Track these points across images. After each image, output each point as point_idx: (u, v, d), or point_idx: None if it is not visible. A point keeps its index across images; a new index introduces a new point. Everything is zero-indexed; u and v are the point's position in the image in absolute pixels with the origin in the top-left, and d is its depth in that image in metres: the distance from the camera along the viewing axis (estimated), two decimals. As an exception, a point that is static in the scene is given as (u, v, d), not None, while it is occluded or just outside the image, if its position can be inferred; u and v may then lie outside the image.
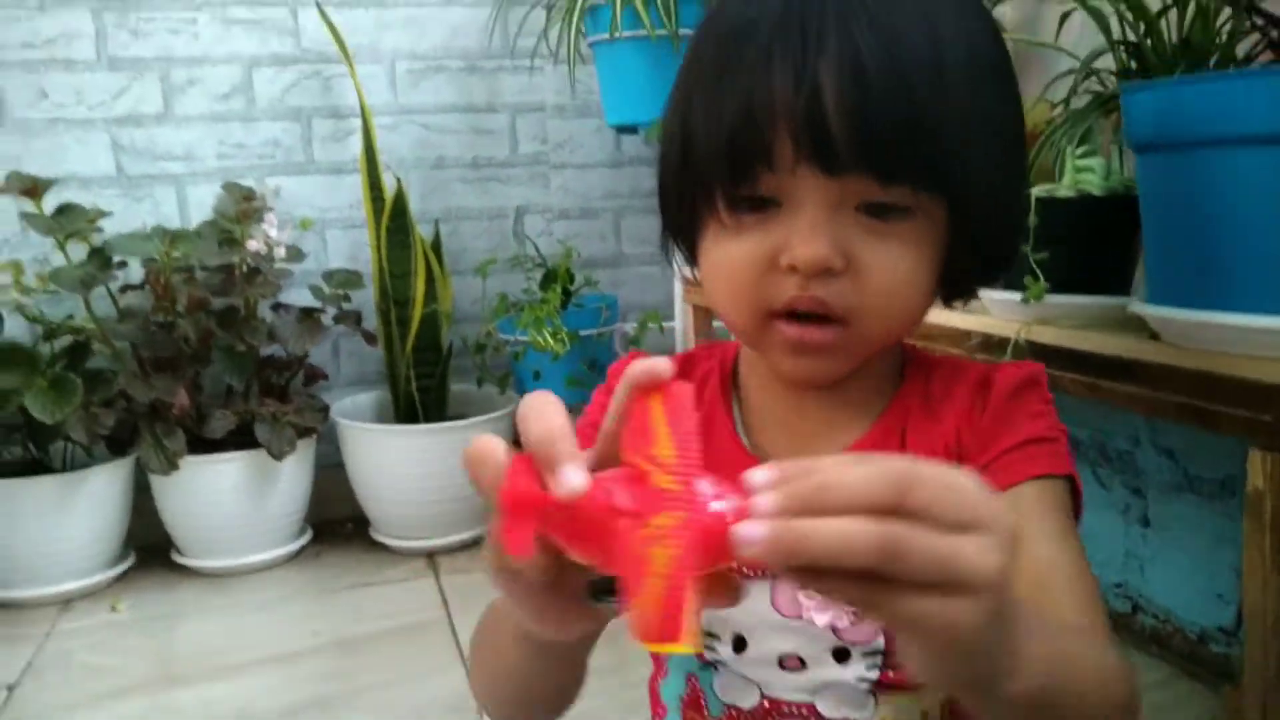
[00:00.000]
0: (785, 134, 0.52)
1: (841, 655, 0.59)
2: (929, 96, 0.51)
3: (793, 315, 0.55)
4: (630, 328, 2.07)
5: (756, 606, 0.60)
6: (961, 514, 0.33)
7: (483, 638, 0.60)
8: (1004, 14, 1.65)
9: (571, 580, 0.42)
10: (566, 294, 2.03)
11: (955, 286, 0.61)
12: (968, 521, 0.33)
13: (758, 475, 0.34)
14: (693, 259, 0.63)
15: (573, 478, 0.37)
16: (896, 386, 0.64)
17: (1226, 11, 1.15)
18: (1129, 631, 1.57)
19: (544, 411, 0.39)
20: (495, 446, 0.39)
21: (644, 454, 0.38)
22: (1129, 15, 1.18)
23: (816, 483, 0.33)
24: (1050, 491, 0.58)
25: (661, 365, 0.40)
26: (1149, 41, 1.17)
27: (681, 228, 0.62)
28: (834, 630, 0.59)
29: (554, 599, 0.43)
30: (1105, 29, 1.24)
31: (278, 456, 1.88)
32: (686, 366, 0.68)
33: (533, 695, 0.58)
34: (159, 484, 1.91)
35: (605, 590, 0.43)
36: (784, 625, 0.60)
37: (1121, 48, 1.20)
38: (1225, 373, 0.81)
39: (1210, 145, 0.78)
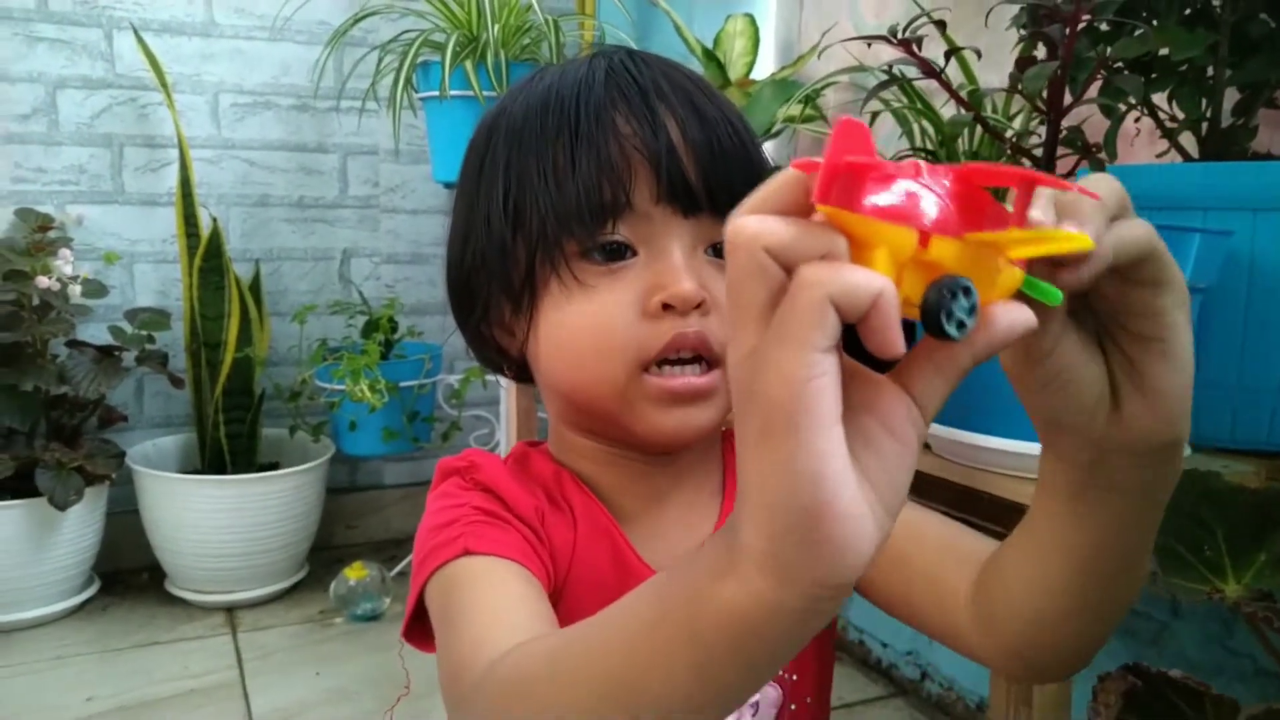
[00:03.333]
0: (644, 176, 0.54)
1: None
2: (754, 145, 0.57)
3: (664, 364, 0.55)
4: (455, 380, 2.04)
5: None
6: None
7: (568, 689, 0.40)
8: (827, 103, 1.73)
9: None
10: (388, 343, 1.99)
11: None
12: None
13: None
14: (501, 354, 0.61)
15: None
16: (722, 462, 0.65)
17: (1016, 124, 1.24)
18: (917, 698, 1.65)
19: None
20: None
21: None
22: (930, 128, 1.26)
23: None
24: None
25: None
26: (943, 151, 1.26)
27: (490, 313, 0.59)
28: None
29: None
30: (909, 134, 1.32)
31: (60, 506, 1.75)
32: (522, 464, 0.64)
33: None
34: (-79, 533, 1.75)
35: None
36: None
37: (921, 154, 1.28)
38: (983, 489, 0.86)
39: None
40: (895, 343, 0.29)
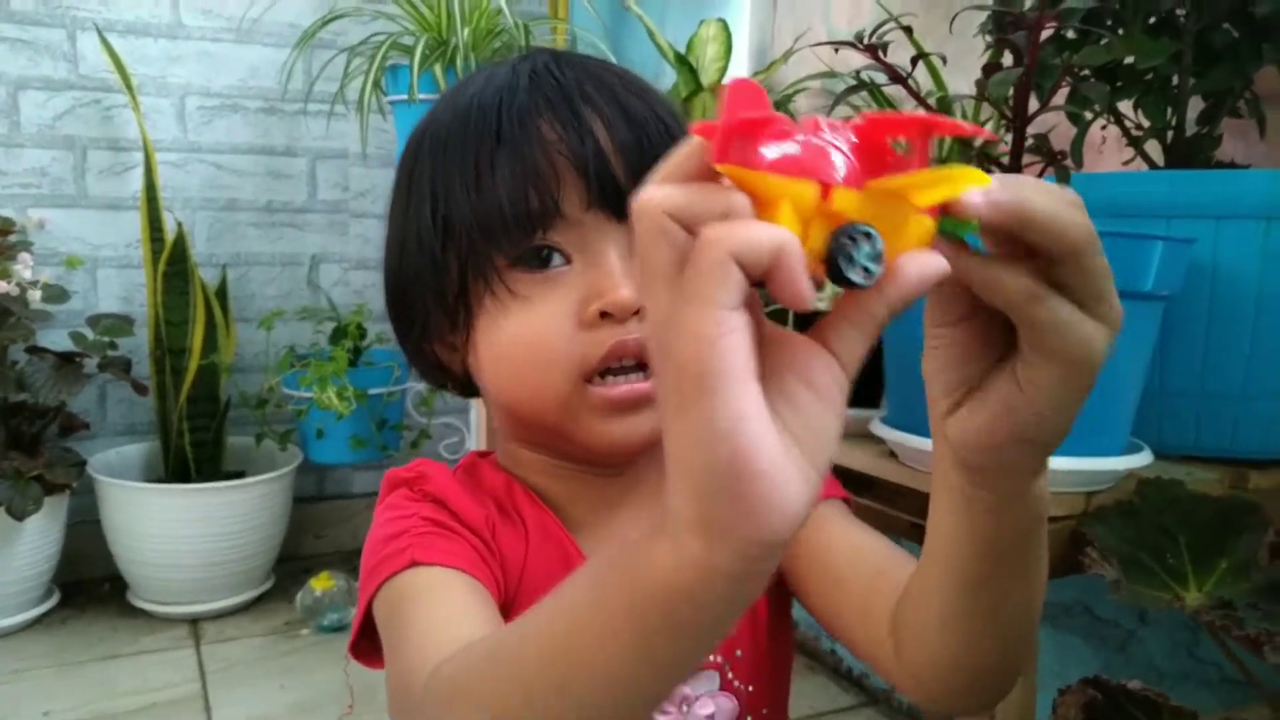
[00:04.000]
0: (572, 183, 0.52)
1: None
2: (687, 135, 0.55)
3: (607, 373, 0.53)
4: (423, 387, 2.02)
5: None
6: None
7: (509, 680, 0.39)
8: (798, 108, 1.73)
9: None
10: (356, 350, 1.96)
11: None
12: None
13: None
14: (443, 370, 0.60)
15: None
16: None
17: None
18: (889, 707, 1.64)
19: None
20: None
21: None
22: (895, 133, 1.26)
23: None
24: (842, 506, 0.61)
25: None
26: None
27: (429, 329, 0.58)
28: None
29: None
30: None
31: (18, 517, 1.71)
32: (471, 474, 0.63)
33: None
34: (-126, 544, 1.71)
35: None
36: None
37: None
38: (948, 498, 0.85)
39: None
40: (803, 294, 0.29)
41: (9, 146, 1.92)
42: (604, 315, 0.52)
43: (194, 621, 1.89)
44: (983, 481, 0.39)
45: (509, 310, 0.54)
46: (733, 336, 0.29)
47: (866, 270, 0.30)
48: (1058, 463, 0.79)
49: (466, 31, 1.65)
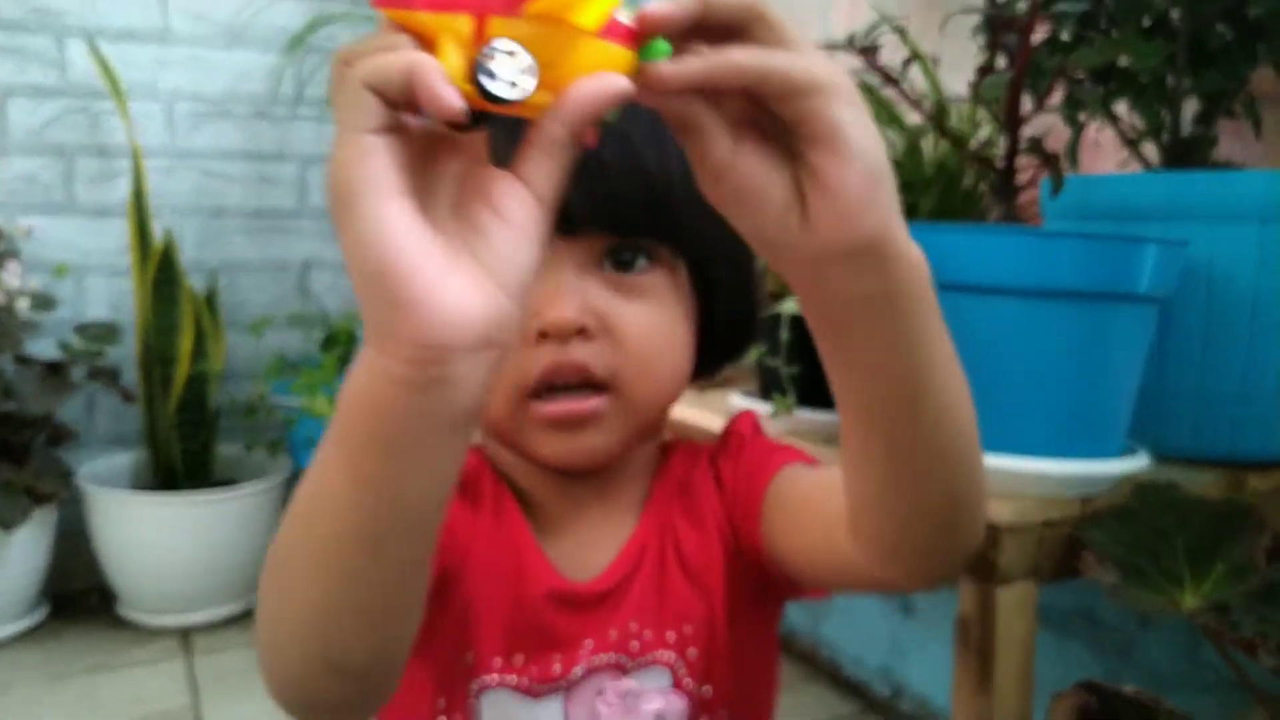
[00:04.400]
0: None
1: None
2: (650, 153, 0.53)
3: (551, 390, 0.53)
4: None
5: None
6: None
7: (285, 544, 0.40)
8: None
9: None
10: (346, 357, 1.95)
11: (709, 353, 0.61)
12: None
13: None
14: None
15: None
16: (654, 473, 0.64)
17: (983, 133, 1.24)
18: (890, 714, 1.63)
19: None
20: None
21: None
22: (895, 137, 1.26)
23: None
24: (806, 466, 0.60)
25: None
26: (909, 160, 1.25)
27: None
28: None
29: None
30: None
31: (7, 527, 1.70)
32: None
33: (369, 593, 0.39)
34: None
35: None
36: None
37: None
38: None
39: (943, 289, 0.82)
40: (445, 102, 0.31)
41: (-4, 154, 1.91)
42: (544, 335, 0.52)
43: (185, 632, 1.87)
44: (869, 257, 0.38)
45: None
46: (372, 157, 0.32)
47: (513, 84, 0.32)
48: (1054, 466, 0.78)
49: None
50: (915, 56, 0.95)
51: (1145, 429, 0.86)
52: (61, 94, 1.94)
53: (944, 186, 1.23)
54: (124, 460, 2.01)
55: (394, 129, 0.33)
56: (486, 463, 0.63)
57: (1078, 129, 0.97)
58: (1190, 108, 0.95)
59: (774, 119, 0.37)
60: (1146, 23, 0.93)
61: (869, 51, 0.92)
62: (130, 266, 1.93)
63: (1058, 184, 0.85)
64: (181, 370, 1.89)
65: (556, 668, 0.58)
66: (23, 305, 1.79)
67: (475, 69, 0.32)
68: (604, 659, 0.58)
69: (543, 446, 0.55)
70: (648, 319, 0.54)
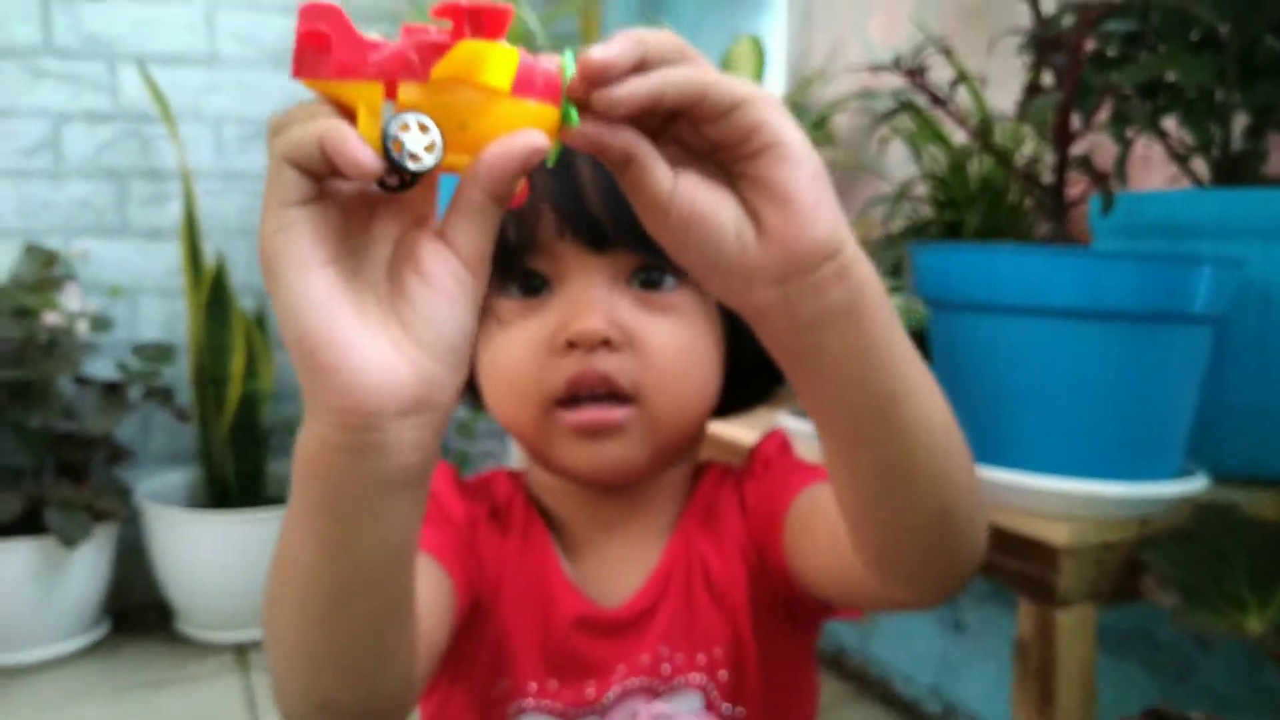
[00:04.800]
0: (547, 214, 0.53)
1: None
2: None
3: (577, 400, 0.54)
4: (463, 412, 2.03)
5: None
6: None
7: (268, 592, 0.42)
8: (837, 125, 1.73)
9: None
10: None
11: (740, 388, 0.62)
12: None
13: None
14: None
15: None
16: (685, 497, 0.64)
17: (1027, 149, 1.24)
18: (936, 726, 1.63)
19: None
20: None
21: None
22: (940, 153, 1.26)
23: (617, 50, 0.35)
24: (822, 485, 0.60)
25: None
26: (954, 177, 1.25)
27: None
28: None
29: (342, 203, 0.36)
30: (919, 159, 1.31)
31: (70, 545, 1.74)
32: (483, 489, 0.65)
33: (354, 619, 0.40)
34: (-71, 573, 1.74)
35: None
36: None
37: (932, 180, 1.27)
38: (998, 524, 0.85)
39: (981, 310, 0.82)
40: (359, 163, 0.32)
41: (54, 179, 1.96)
42: (571, 344, 0.53)
43: (239, 648, 1.91)
44: (821, 271, 0.38)
45: (493, 335, 0.56)
46: (293, 230, 0.33)
47: (417, 157, 0.33)
48: (1110, 488, 0.78)
49: (499, 57, 1.66)
50: (962, 78, 0.95)
51: (1202, 449, 0.86)
52: (114, 119, 1.99)
53: (989, 203, 1.23)
54: (179, 478, 2.06)
55: (317, 198, 0.34)
56: (520, 489, 0.64)
57: (1126, 146, 0.96)
58: (1239, 122, 0.95)
59: (708, 144, 0.38)
60: (1194, 37, 0.92)
61: (917, 73, 0.92)
62: (183, 288, 1.97)
63: (1108, 203, 0.85)
64: (234, 390, 1.93)
65: (590, 692, 0.59)
66: (82, 327, 1.84)
67: (383, 140, 0.33)
68: (636, 683, 0.59)
69: (569, 456, 0.56)
70: (673, 335, 0.55)
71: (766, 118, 0.36)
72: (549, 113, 0.35)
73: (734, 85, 0.36)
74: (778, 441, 0.66)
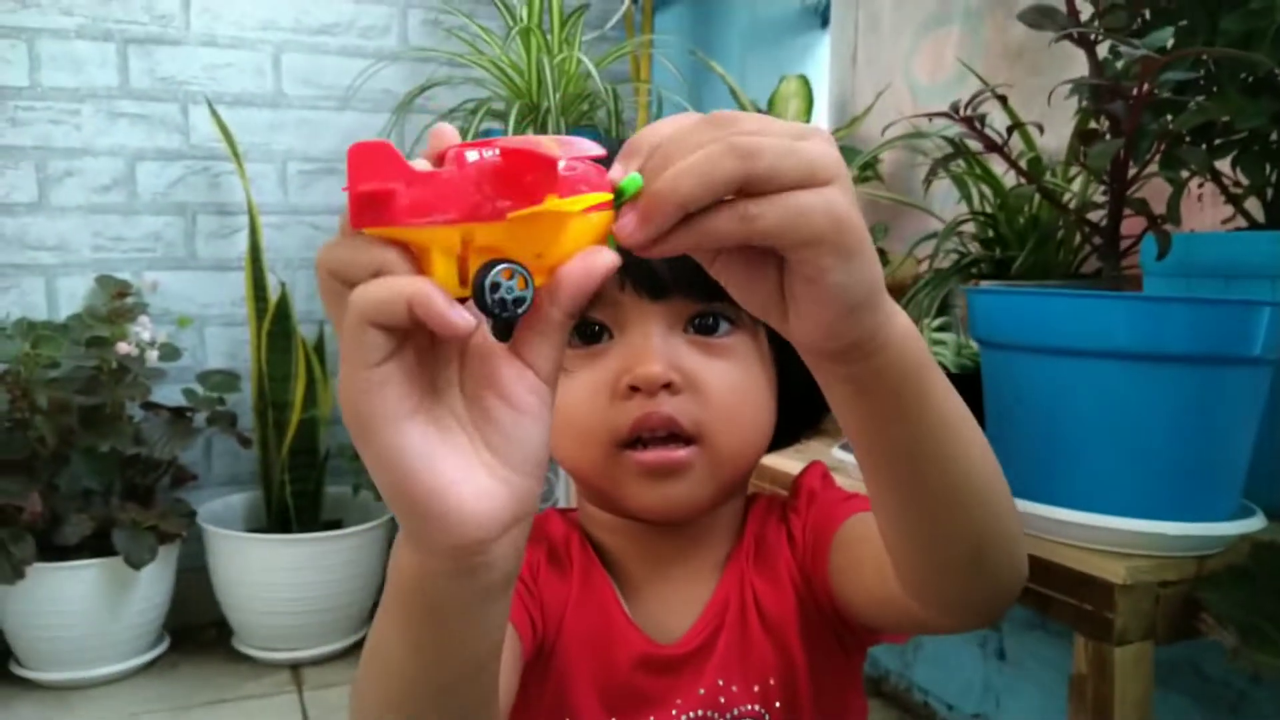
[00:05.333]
0: None
1: None
2: None
3: (641, 442, 0.57)
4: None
5: None
6: (789, 130, 0.36)
7: (361, 683, 0.44)
8: (884, 165, 1.75)
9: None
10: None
11: (793, 413, 0.63)
12: (798, 134, 0.35)
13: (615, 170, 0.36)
14: None
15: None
16: (737, 531, 0.66)
17: (1072, 191, 1.25)
18: (985, 759, 1.62)
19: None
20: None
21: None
22: (988, 191, 1.27)
23: (660, 152, 0.35)
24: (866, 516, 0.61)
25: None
26: (1003, 215, 1.27)
27: None
28: None
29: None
30: (967, 198, 1.33)
31: (136, 566, 1.80)
32: (538, 531, 0.67)
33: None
34: (1, 590, 1.80)
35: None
36: None
37: (981, 218, 1.29)
38: (1055, 561, 0.86)
39: (1036, 351, 0.84)
40: (453, 327, 0.32)
41: (128, 214, 2.04)
42: (633, 389, 0.56)
43: (295, 667, 1.95)
44: (850, 356, 0.39)
45: None
46: (381, 390, 0.33)
47: (519, 300, 0.33)
48: (1168, 527, 0.79)
49: (557, 96, 1.72)
50: (1018, 125, 0.97)
51: (1260, 488, 0.86)
52: (185, 157, 2.07)
53: (1038, 242, 1.24)
54: (239, 501, 2.11)
55: (398, 348, 0.33)
56: (576, 528, 0.66)
57: (1179, 187, 0.98)
58: (1295, 164, 0.96)
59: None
60: (1248, 79, 0.94)
61: (972, 121, 0.95)
62: (246, 317, 2.04)
63: (1164, 247, 0.86)
64: (294, 415, 1.98)
65: None
66: (151, 356, 1.91)
67: (477, 292, 0.33)
68: (694, 715, 0.61)
69: (637, 495, 0.58)
70: (730, 377, 0.58)
71: (809, 259, 0.35)
72: (607, 218, 0.35)
73: (782, 228, 0.34)
74: (819, 473, 0.68)
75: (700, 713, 0.61)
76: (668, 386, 0.56)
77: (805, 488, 0.66)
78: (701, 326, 0.58)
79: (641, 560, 0.64)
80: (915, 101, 1.71)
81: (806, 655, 0.62)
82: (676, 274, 0.55)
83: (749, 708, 0.62)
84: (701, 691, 0.61)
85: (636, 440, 0.57)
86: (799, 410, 0.64)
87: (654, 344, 0.56)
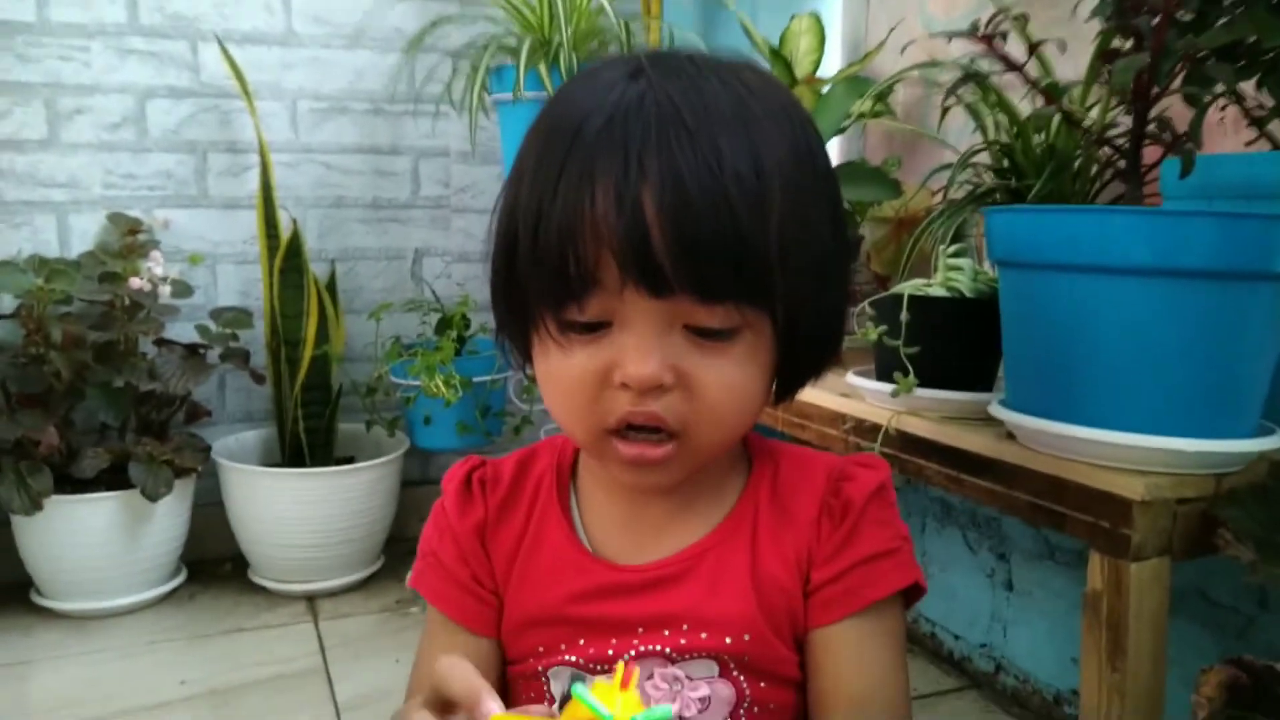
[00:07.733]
0: (610, 259, 0.53)
1: None
2: (750, 218, 0.53)
3: (626, 430, 0.57)
4: (524, 375, 2.08)
5: None
6: None
7: None
8: (897, 98, 1.74)
9: None
10: (461, 340, 2.03)
11: (784, 390, 0.64)
12: None
13: None
14: (525, 359, 0.63)
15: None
16: (744, 476, 0.67)
17: (1091, 117, 1.24)
18: (991, 690, 1.65)
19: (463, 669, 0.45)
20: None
21: None
22: (1004, 119, 1.26)
23: None
24: (888, 615, 0.63)
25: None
26: (1019, 143, 1.26)
27: (511, 331, 0.63)
28: None
29: None
30: (982, 128, 1.32)
31: (152, 498, 1.82)
32: (525, 466, 0.70)
33: None
34: (20, 522, 1.83)
35: None
36: None
37: (996, 147, 1.28)
38: (1071, 478, 0.87)
39: (1057, 270, 0.84)
40: None
41: (137, 152, 2.03)
42: (624, 385, 0.56)
43: (310, 599, 1.98)
44: None
45: (551, 354, 0.58)
46: None
47: None
48: (1187, 444, 0.79)
49: (569, 31, 1.70)
50: (1037, 45, 0.96)
51: None
52: (196, 94, 2.06)
53: (1054, 170, 1.23)
54: (253, 437, 2.13)
55: None
56: (560, 465, 0.69)
57: (1202, 108, 0.97)
58: (1322, 86, 0.94)
59: None
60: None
61: (991, 39, 0.93)
62: (258, 255, 2.03)
63: (1189, 165, 0.86)
64: (307, 352, 1.99)
65: (610, 651, 0.63)
66: (164, 292, 1.91)
67: None
68: (653, 649, 0.63)
69: (618, 475, 0.61)
70: (726, 376, 0.57)
71: None
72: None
73: None
74: (874, 488, 0.65)
75: (658, 648, 0.63)
76: (658, 386, 0.56)
77: (856, 501, 0.64)
78: (699, 332, 0.56)
79: (623, 505, 0.67)
80: (946, 38, 1.69)
81: (791, 627, 0.64)
82: (681, 273, 0.53)
83: (711, 652, 0.63)
84: (665, 632, 0.63)
85: (625, 426, 0.58)
86: (801, 370, 0.63)
87: (650, 345, 0.55)
